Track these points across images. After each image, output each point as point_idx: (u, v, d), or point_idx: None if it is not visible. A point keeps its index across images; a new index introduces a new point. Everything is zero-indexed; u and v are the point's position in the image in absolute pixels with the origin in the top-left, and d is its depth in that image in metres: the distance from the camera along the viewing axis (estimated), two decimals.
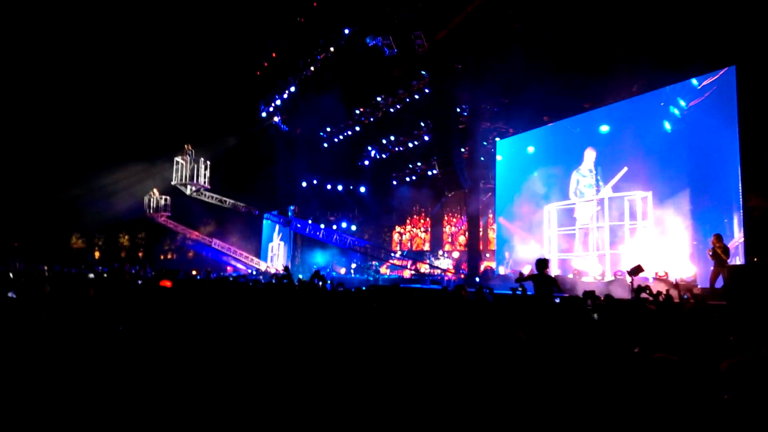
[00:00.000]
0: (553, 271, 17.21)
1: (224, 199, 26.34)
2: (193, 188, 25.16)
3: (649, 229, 14.46)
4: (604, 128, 16.64)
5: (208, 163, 25.49)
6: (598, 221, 16.46)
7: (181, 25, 23.19)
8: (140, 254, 34.45)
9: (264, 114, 28.48)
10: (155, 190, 26.02)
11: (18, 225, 24.69)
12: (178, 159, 24.93)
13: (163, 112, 25.71)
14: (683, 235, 13.41)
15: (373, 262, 27.01)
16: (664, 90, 14.53)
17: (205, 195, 25.71)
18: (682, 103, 13.94)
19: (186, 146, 25.01)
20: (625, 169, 15.39)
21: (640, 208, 14.85)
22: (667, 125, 14.27)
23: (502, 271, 20.54)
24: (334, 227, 30.96)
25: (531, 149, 19.77)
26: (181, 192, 26.16)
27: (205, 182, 25.37)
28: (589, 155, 17.06)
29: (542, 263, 8.94)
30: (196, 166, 25.26)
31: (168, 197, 26.03)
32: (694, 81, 13.64)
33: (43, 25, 21.69)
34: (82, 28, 22.48)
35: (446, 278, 21.17)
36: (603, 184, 16.39)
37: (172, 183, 25.19)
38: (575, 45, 15.67)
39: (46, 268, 17.09)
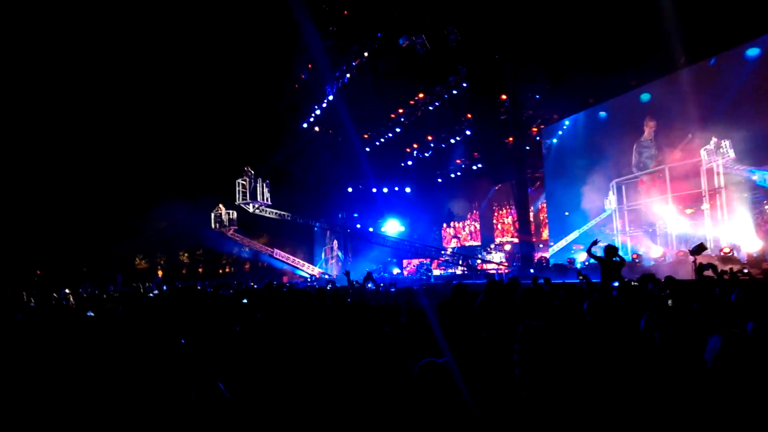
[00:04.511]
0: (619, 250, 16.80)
1: (283, 213, 27.22)
2: (256, 206, 26.24)
3: (719, 199, 13.83)
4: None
5: (267, 181, 26.52)
6: (663, 193, 15.82)
7: (221, 56, 24.07)
8: (200, 270, 35.81)
9: (305, 125, 29.02)
10: (221, 206, 27.26)
11: (84, 251, 26.37)
12: (240, 180, 26.06)
13: (214, 139, 27.02)
14: (742, 207, 12.76)
15: (425, 261, 26.98)
16: (714, 60, 13.88)
17: (266, 211, 26.70)
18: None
19: (246, 168, 26.12)
20: (690, 135, 14.74)
21: (705, 177, 14.20)
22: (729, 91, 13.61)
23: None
24: (383, 229, 31.14)
25: (603, 114, 18.88)
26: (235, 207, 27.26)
27: (265, 199, 26.40)
28: (649, 126, 16.44)
29: (611, 250, 8.73)
30: (256, 185, 26.35)
31: (235, 211, 27.19)
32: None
33: (109, 71, 23.08)
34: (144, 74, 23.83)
35: (500, 272, 20.88)
36: (666, 153, 15.73)
37: (236, 203, 26.30)
38: (612, 22, 15.15)
39: (113, 288, 18.14)
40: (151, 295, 11.36)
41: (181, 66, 24.31)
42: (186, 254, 35.67)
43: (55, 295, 10.97)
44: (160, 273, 31.72)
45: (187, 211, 28.34)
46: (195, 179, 27.91)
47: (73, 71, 22.54)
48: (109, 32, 21.81)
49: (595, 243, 9.31)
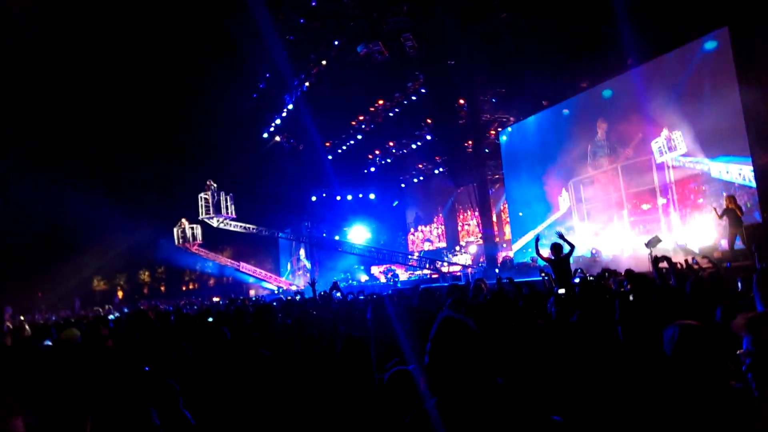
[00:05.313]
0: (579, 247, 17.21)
1: (247, 225, 26.81)
2: (220, 219, 25.73)
3: (672, 193, 14.33)
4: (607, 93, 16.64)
5: (231, 194, 26.10)
6: (617, 191, 16.33)
7: (178, 66, 23.55)
8: (162, 288, 34.89)
9: (265, 135, 28.75)
10: (184, 221, 26.56)
11: (39, 274, 25.21)
12: (202, 194, 25.56)
13: (173, 152, 26.37)
14: (698, 200, 13.30)
15: (392, 267, 27.06)
16: (663, 58, 14.43)
17: (230, 225, 26.23)
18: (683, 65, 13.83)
19: (208, 182, 25.66)
20: (640, 135, 15.23)
21: (658, 172, 14.71)
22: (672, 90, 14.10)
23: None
24: (349, 237, 31.10)
25: (566, 111, 18.80)
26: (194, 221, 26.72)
27: (229, 213, 25.94)
28: (601, 127, 16.93)
29: (557, 248, 8.97)
30: (219, 198, 25.91)
31: (199, 226, 26.55)
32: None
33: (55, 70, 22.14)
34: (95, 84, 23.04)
35: (468, 272, 21.13)
36: (619, 152, 16.23)
37: (199, 218, 25.76)
38: (563, 26, 15.62)
39: (70, 312, 17.50)
40: (111, 317, 11.00)
41: (135, 77, 23.73)
42: (147, 272, 34.68)
43: (9, 324, 10.47)
44: (120, 294, 30.71)
45: (147, 227, 27.56)
46: (154, 194, 27.24)
47: (24, 82, 21.61)
48: (57, 44, 21.07)
49: (537, 240, 9.58)
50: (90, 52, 21.60)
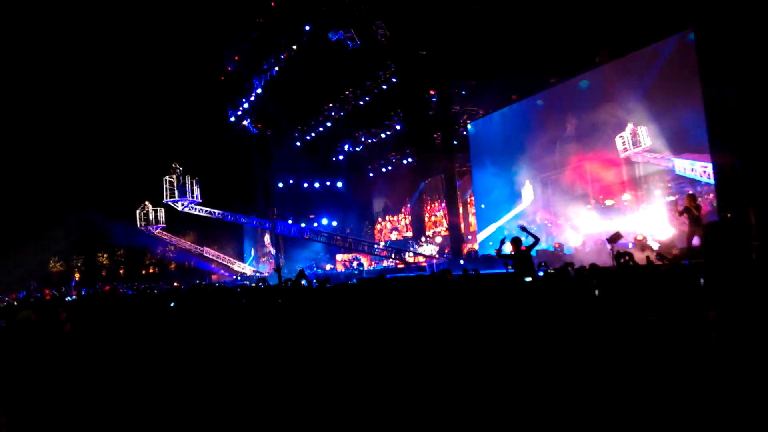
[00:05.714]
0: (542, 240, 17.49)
1: (213, 210, 26.22)
2: (185, 203, 25.02)
3: (638, 189, 14.70)
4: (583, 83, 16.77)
5: (197, 179, 25.40)
6: (585, 187, 16.66)
7: (143, 48, 22.69)
8: (121, 272, 33.92)
9: (233, 119, 28.14)
10: (148, 203, 25.75)
11: None
12: (167, 177, 24.81)
13: (136, 134, 25.45)
14: (663, 197, 13.72)
15: (358, 256, 27.05)
16: (629, 57, 14.73)
17: (196, 209, 25.58)
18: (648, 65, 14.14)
19: (174, 164, 24.89)
20: (608, 129, 15.48)
21: (626, 171, 15.06)
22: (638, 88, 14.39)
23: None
24: (315, 225, 30.90)
25: (539, 102, 18.67)
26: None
27: (195, 197, 25.25)
28: (571, 123, 17.17)
29: (517, 241, 8.98)
30: (185, 182, 25.18)
31: (162, 209, 25.77)
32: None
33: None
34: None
35: (433, 263, 21.29)
36: (587, 146, 16.49)
37: (164, 201, 25.02)
38: (535, 21, 15.77)
39: (25, 294, 16.88)
40: (68, 299, 10.63)
41: (100, 56, 22.81)
42: (105, 255, 33.66)
43: None
44: (77, 276, 29.70)
45: (107, 208, 26.67)
46: (115, 176, 26.33)
47: None
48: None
49: (503, 242, 9.22)
50: (56, 23, 20.64)
